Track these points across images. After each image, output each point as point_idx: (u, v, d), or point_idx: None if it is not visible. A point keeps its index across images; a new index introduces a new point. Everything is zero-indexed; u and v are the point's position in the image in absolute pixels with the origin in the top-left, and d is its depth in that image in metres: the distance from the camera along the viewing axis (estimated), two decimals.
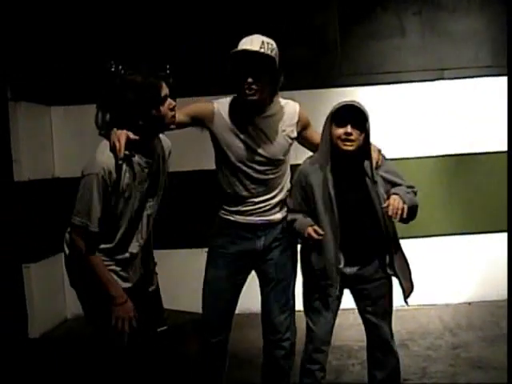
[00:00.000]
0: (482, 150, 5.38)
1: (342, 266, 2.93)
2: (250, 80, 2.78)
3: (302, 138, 3.10)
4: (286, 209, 3.05)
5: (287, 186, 3.07)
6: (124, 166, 2.57)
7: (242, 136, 2.91)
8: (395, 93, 5.43)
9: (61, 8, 5.37)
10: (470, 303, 5.33)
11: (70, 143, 5.37)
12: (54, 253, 5.37)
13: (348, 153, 2.86)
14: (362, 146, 2.88)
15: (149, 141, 2.66)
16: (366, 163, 2.91)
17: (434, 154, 5.39)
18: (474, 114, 5.38)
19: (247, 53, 2.77)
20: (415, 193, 2.98)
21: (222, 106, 2.96)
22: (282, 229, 3.05)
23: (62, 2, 5.37)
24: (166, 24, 5.38)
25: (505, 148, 5.20)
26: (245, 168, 2.92)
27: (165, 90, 2.61)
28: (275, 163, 2.96)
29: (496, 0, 5.38)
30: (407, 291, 3.02)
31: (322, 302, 3.01)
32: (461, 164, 5.39)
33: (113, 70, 2.67)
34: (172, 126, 2.69)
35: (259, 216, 2.99)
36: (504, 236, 5.21)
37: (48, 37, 5.37)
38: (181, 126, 2.85)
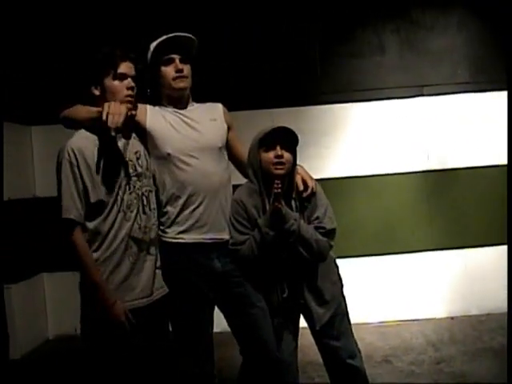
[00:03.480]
0: (462, 165, 5.43)
1: (285, 294, 2.84)
2: (180, 67, 2.87)
3: (227, 142, 3.05)
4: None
5: (231, 191, 2.99)
6: (93, 146, 2.62)
7: (176, 127, 2.89)
8: (375, 110, 5.47)
9: (41, 28, 5.39)
10: (452, 318, 5.34)
11: (50, 163, 5.15)
12: (35, 273, 5.35)
13: (279, 177, 2.76)
14: (292, 168, 2.85)
15: None
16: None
17: (415, 170, 5.43)
18: (454, 130, 5.43)
19: (176, 39, 2.86)
20: (328, 231, 2.86)
21: (152, 107, 2.97)
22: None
23: (42, 20, 5.38)
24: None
25: (484, 163, 5.37)
26: (186, 159, 2.84)
27: (127, 69, 2.69)
28: (215, 152, 2.92)
29: (473, 18, 5.48)
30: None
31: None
32: (441, 179, 5.43)
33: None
34: (128, 106, 2.67)
35: (208, 232, 2.87)
36: (485, 250, 5.36)
37: (28, 57, 5.38)
38: None
